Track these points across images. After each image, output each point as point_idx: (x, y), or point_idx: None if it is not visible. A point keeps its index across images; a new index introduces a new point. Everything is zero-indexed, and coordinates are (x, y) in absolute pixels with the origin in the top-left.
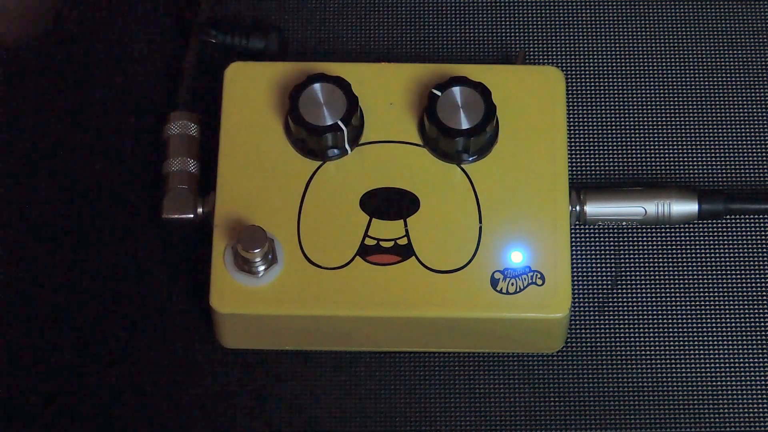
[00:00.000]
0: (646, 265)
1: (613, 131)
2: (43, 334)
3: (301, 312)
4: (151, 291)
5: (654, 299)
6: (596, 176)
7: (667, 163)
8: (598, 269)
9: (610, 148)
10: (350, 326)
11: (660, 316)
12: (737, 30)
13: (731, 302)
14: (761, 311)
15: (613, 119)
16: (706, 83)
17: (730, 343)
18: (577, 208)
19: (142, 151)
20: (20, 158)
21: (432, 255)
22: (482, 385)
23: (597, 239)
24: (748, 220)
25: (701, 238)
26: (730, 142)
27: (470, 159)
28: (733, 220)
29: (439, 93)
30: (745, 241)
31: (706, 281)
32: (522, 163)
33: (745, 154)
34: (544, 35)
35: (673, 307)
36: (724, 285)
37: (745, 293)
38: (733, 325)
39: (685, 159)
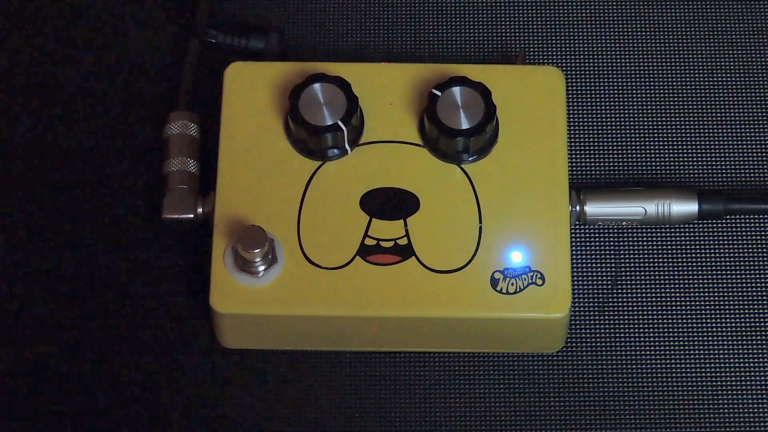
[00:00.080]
0: (646, 265)
1: (613, 131)
2: (42, 334)
3: (301, 312)
4: (151, 291)
5: (654, 299)
6: (596, 176)
7: (667, 163)
8: (598, 269)
9: (610, 148)
10: (350, 326)
11: (660, 316)
12: (737, 30)
13: (731, 302)
14: (761, 311)
15: (613, 119)
16: (706, 83)
17: (730, 343)
18: (577, 208)
19: (142, 151)
20: (20, 158)
21: (432, 255)
22: (482, 385)
23: (597, 239)
24: (748, 220)
25: (701, 238)
26: (730, 142)
27: (470, 159)
28: (733, 220)
29: (439, 93)
30: (745, 241)
31: (706, 281)
32: (522, 163)
33: (745, 154)
34: (544, 35)
35: (673, 307)
36: (724, 285)
37: (745, 293)
38: (733, 325)
39: (685, 159)
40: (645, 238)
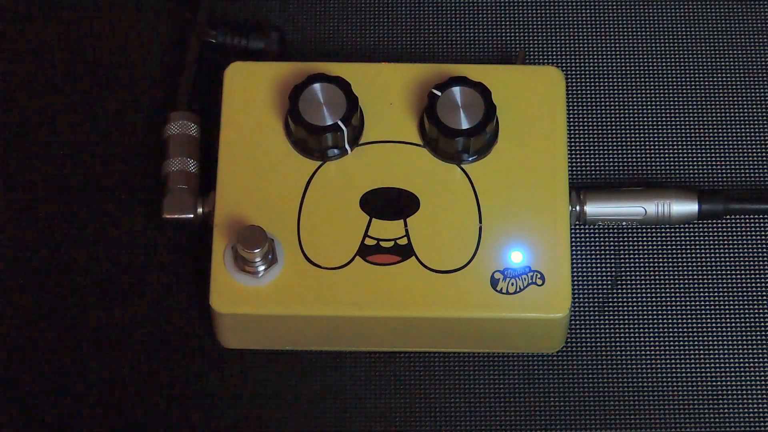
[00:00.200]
0: (646, 265)
1: (613, 131)
2: (42, 334)
3: (301, 312)
4: (151, 291)
5: (654, 299)
6: (596, 176)
7: (667, 163)
8: (598, 269)
9: (610, 148)
10: (350, 326)
11: (660, 316)
12: (737, 30)
13: (731, 302)
14: (761, 311)
15: (613, 119)
16: (706, 83)
17: (730, 343)
18: (577, 208)
19: (142, 151)
20: (20, 158)
21: (432, 255)
22: (482, 385)
23: (597, 239)
24: (748, 220)
25: (701, 238)
26: (730, 142)
27: (470, 159)
28: (733, 220)
29: (439, 93)
30: (745, 241)
31: (706, 281)
32: (522, 163)
33: (745, 154)
34: (544, 35)
35: (673, 307)
36: (724, 285)
37: (745, 293)
38: (733, 325)
39: (685, 159)
40: (645, 238)
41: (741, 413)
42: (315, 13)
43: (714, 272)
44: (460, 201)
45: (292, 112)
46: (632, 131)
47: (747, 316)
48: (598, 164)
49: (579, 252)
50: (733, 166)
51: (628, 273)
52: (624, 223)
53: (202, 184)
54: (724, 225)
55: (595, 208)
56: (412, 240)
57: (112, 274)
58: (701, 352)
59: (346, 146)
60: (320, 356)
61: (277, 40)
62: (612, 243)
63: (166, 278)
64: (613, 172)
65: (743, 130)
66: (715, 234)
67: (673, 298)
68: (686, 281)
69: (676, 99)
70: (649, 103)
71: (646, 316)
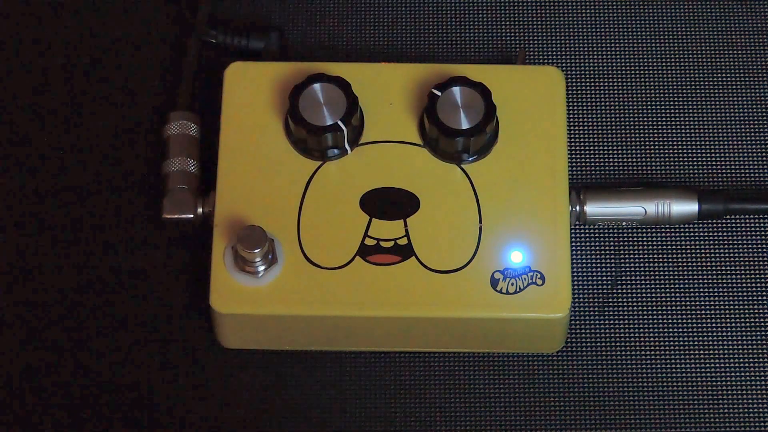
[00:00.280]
0: (646, 265)
1: (613, 131)
2: (42, 334)
3: (301, 312)
4: (151, 291)
5: (654, 299)
6: (596, 176)
7: (667, 163)
8: (598, 269)
9: (610, 148)
10: (350, 326)
11: (660, 316)
12: (737, 30)
13: (731, 302)
14: (761, 311)
15: (613, 119)
16: (706, 83)
17: (730, 343)
18: (577, 208)
19: (142, 151)
20: (20, 158)
21: (432, 255)
22: (482, 385)
23: (597, 239)
24: (748, 220)
25: (701, 238)
26: (730, 142)
27: (470, 159)
28: (733, 220)
29: (439, 93)
30: (745, 241)
31: (706, 281)
32: (522, 163)
33: (745, 154)
34: (544, 35)
35: (673, 307)
36: (724, 285)
37: (745, 293)
38: (733, 325)
39: (685, 159)
40: (645, 238)
41: (741, 413)
42: (315, 13)
43: (714, 272)
44: (460, 201)
45: (292, 112)
46: (632, 131)
47: (747, 316)
48: (598, 164)
49: (579, 252)
50: (733, 166)
51: (628, 273)
52: (624, 223)
53: (202, 184)
54: (724, 225)
55: (595, 208)
56: (412, 240)
57: (112, 274)
58: (701, 352)
59: (346, 146)
60: (320, 356)
61: (277, 40)
62: (612, 243)
63: (166, 278)
64: (613, 172)
65: (743, 130)
66: (715, 234)
67: (673, 298)
68: (686, 281)
69: (676, 99)
70: (649, 103)
71: (646, 316)
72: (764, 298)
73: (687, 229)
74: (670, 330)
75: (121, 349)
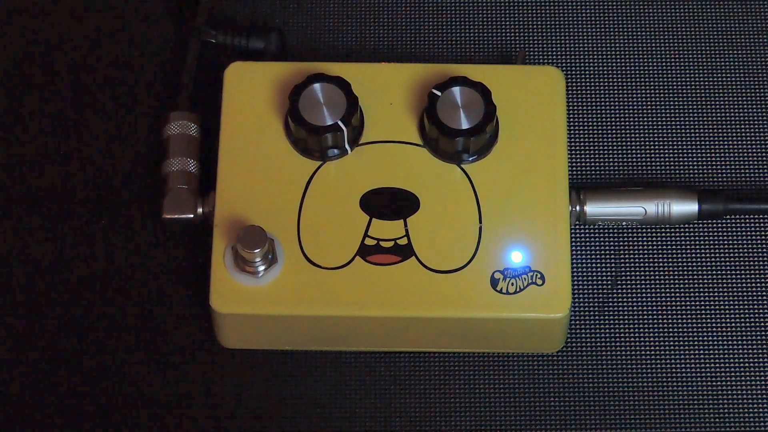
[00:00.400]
0: (646, 265)
1: (613, 131)
2: (42, 334)
3: (301, 312)
4: (151, 291)
5: (654, 299)
6: (596, 176)
7: (667, 163)
8: (598, 269)
9: (610, 148)
10: (350, 326)
11: (660, 316)
12: (737, 30)
13: (731, 302)
14: (761, 311)
15: (613, 119)
16: (706, 83)
17: (730, 343)
18: (577, 208)
19: (142, 151)
20: (20, 158)
21: (432, 255)
22: (482, 385)
23: (597, 239)
24: (748, 220)
25: (701, 238)
26: (730, 142)
27: (470, 159)
28: (733, 220)
29: (439, 93)
30: (745, 241)
31: (706, 281)
32: (522, 163)
33: (745, 154)
34: (544, 35)
35: (673, 307)
36: (724, 285)
37: (745, 293)
38: (733, 325)
39: (685, 159)
40: (645, 238)
41: (741, 413)
42: (315, 13)
43: (714, 272)
44: (460, 201)
45: (292, 112)
46: (632, 131)
47: (747, 316)
48: (598, 164)
49: (579, 252)
50: (733, 166)
51: (628, 273)
52: (624, 223)
53: (202, 184)
54: (724, 225)
55: (595, 208)
56: (412, 240)
57: (111, 274)
58: (701, 352)
59: (346, 146)
60: (320, 356)
61: (277, 40)
62: (612, 243)
63: (166, 278)
64: (613, 172)
65: (743, 130)
66: (715, 234)
67: (673, 298)
68: (686, 281)
69: (676, 99)
70: (649, 103)
71: (646, 316)
72: (764, 298)
73: (687, 229)
74: (670, 330)
75: (121, 349)
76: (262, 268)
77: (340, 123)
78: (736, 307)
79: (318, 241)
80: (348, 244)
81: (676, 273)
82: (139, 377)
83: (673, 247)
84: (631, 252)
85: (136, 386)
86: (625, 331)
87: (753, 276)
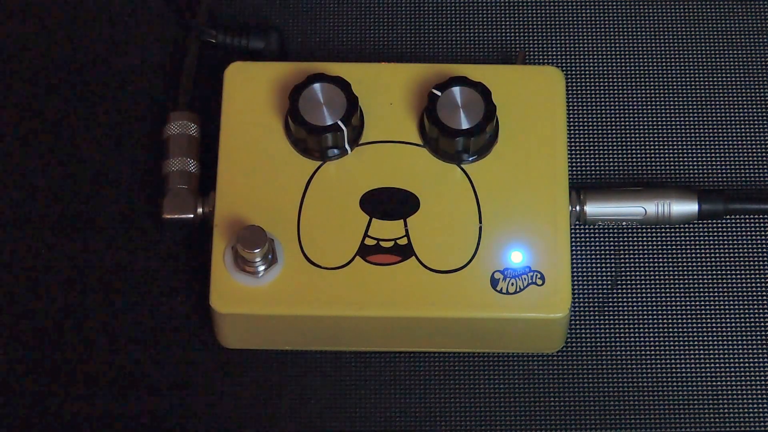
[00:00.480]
0: (646, 265)
1: (613, 131)
2: (42, 334)
3: (301, 312)
4: (151, 291)
5: (654, 299)
6: (596, 176)
7: (667, 163)
8: (598, 269)
9: (610, 148)
10: (350, 326)
11: (660, 316)
12: (737, 30)
13: (731, 302)
14: (761, 311)
15: (613, 119)
16: (706, 83)
17: (730, 343)
18: (577, 208)
19: (142, 151)
20: (20, 158)
21: (432, 255)
22: (482, 385)
23: (597, 239)
24: (748, 220)
25: (701, 238)
26: (730, 142)
27: (470, 159)
28: (733, 220)
29: (439, 93)
30: (745, 241)
31: (706, 281)
32: (522, 163)
33: (745, 154)
34: (544, 35)
35: (673, 307)
36: (724, 285)
37: (745, 293)
38: (733, 325)
39: (685, 159)
40: (645, 238)
41: (741, 413)
42: (315, 13)
43: (714, 272)
44: (460, 201)
45: (292, 112)
46: (632, 131)
47: (747, 316)
48: (598, 164)
49: (579, 252)
50: (733, 166)
51: (628, 273)
52: (624, 223)
53: (202, 184)
54: (724, 225)
55: (595, 208)
56: (412, 240)
57: (111, 274)
58: (701, 352)
59: (346, 146)
60: (320, 356)
61: (277, 40)
62: (612, 243)
63: (166, 278)
64: (613, 172)
65: (743, 130)
66: (715, 234)
67: (673, 298)
68: (686, 281)
69: (676, 99)
70: (649, 103)
71: (646, 316)
72: (764, 298)
73: (687, 229)
74: (670, 330)
75: (121, 349)
76: (262, 268)
77: (340, 123)
78: (736, 307)
79: (318, 241)
80: (348, 244)
81: (676, 273)
82: (138, 377)
83: (673, 247)
84: (631, 252)
85: (135, 386)
86: (625, 331)
87: (753, 276)
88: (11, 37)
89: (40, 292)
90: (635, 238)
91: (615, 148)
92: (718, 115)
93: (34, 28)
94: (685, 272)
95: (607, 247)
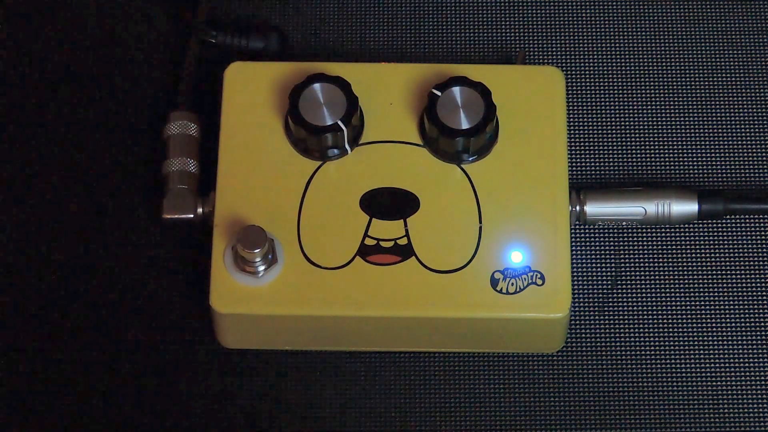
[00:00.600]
0: (646, 265)
1: (613, 131)
2: (42, 334)
3: (301, 312)
4: (151, 291)
5: (654, 299)
6: (596, 176)
7: (667, 163)
8: (598, 269)
9: (610, 148)
10: (350, 326)
11: (660, 316)
12: (737, 30)
13: (731, 302)
14: (761, 311)
15: (613, 119)
16: (706, 83)
17: (730, 343)
18: (577, 208)
19: (142, 151)
20: (20, 159)
21: (432, 255)
22: (482, 385)
23: (597, 239)
24: (748, 220)
25: (701, 238)
26: (730, 142)
27: (470, 159)
28: (733, 220)
29: (439, 93)
30: (745, 241)
31: (706, 281)
32: (522, 163)
33: (745, 154)
34: (544, 35)
35: (673, 307)
36: (724, 285)
37: (745, 293)
38: (733, 325)
39: (685, 159)
40: (645, 238)
41: (741, 413)
42: (315, 13)
43: (714, 272)
44: (460, 201)
45: (292, 112)
46: (632, 131)
47: (747, 316)
48: (598, 164)
49: (579, 252)
50: (733, 166)
51: (628, 273)
52: (624, 223)
53: (202, 184)
54: (724, 225)
55: (595, 208)
56: (412, 240)
57: (112, 274)
58: (701, 352)
59: (346, 146)
60: (320, 356)
61: (277, 40)
62: (612, 243)
63: (166, 278)
64: (613, 172)
65: (743, 130)
66: (715, 234)
67: (673, 298)
68: (686, 281)
69: (676, 99)
70: (649, 103)
71: (646, 316)
72: (764, 298)
73: (687, 229)
74: (670, 330)
75: (121, 349)
76: (262, 268)
77: (340, 123)
78: (736, 307)
79: (318, 241)
80: (348, 244)
81: (676, 273)
82: (138, 377)
83: (673, 247)
84: (631, 252)
85: (135, 386)
86: (625, 331)
87: (753, 276)
88: (11, 37)
89: (39, 292)
90: (635, 238)
91: (615, 148)
92: (718, 115)
93: (34, 28)
94: (685, 272)
95: (607, 247)
